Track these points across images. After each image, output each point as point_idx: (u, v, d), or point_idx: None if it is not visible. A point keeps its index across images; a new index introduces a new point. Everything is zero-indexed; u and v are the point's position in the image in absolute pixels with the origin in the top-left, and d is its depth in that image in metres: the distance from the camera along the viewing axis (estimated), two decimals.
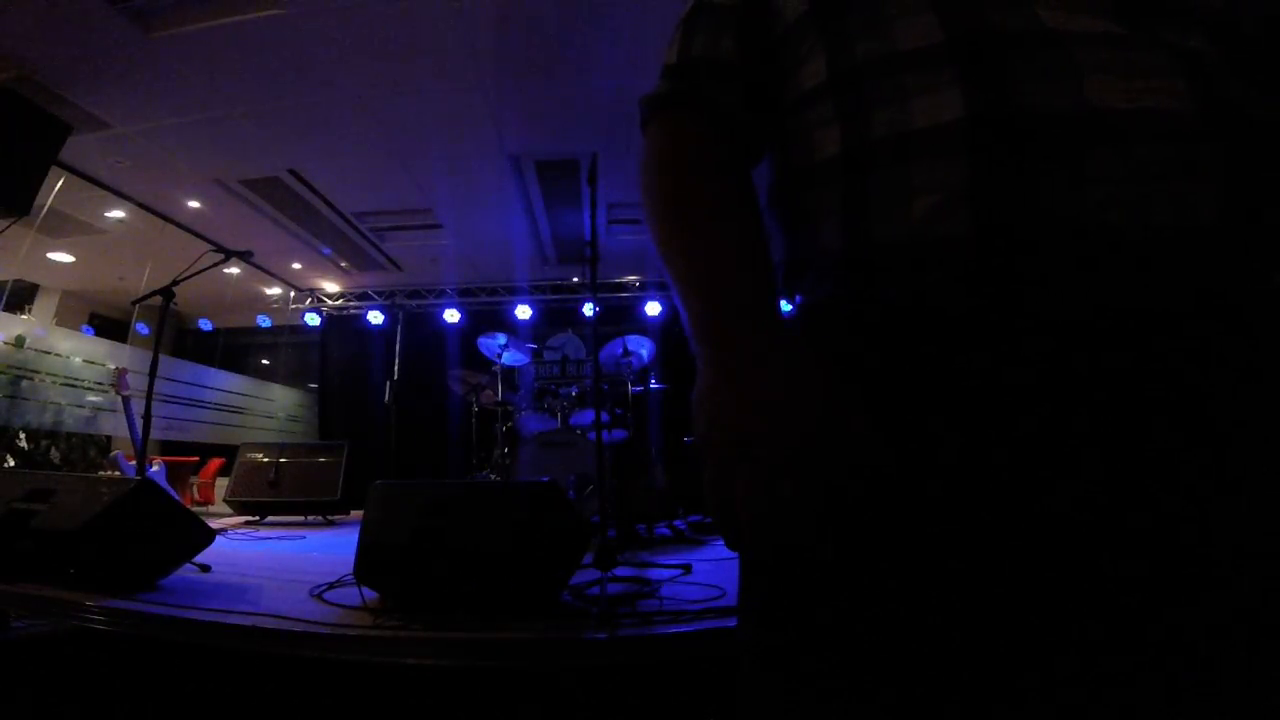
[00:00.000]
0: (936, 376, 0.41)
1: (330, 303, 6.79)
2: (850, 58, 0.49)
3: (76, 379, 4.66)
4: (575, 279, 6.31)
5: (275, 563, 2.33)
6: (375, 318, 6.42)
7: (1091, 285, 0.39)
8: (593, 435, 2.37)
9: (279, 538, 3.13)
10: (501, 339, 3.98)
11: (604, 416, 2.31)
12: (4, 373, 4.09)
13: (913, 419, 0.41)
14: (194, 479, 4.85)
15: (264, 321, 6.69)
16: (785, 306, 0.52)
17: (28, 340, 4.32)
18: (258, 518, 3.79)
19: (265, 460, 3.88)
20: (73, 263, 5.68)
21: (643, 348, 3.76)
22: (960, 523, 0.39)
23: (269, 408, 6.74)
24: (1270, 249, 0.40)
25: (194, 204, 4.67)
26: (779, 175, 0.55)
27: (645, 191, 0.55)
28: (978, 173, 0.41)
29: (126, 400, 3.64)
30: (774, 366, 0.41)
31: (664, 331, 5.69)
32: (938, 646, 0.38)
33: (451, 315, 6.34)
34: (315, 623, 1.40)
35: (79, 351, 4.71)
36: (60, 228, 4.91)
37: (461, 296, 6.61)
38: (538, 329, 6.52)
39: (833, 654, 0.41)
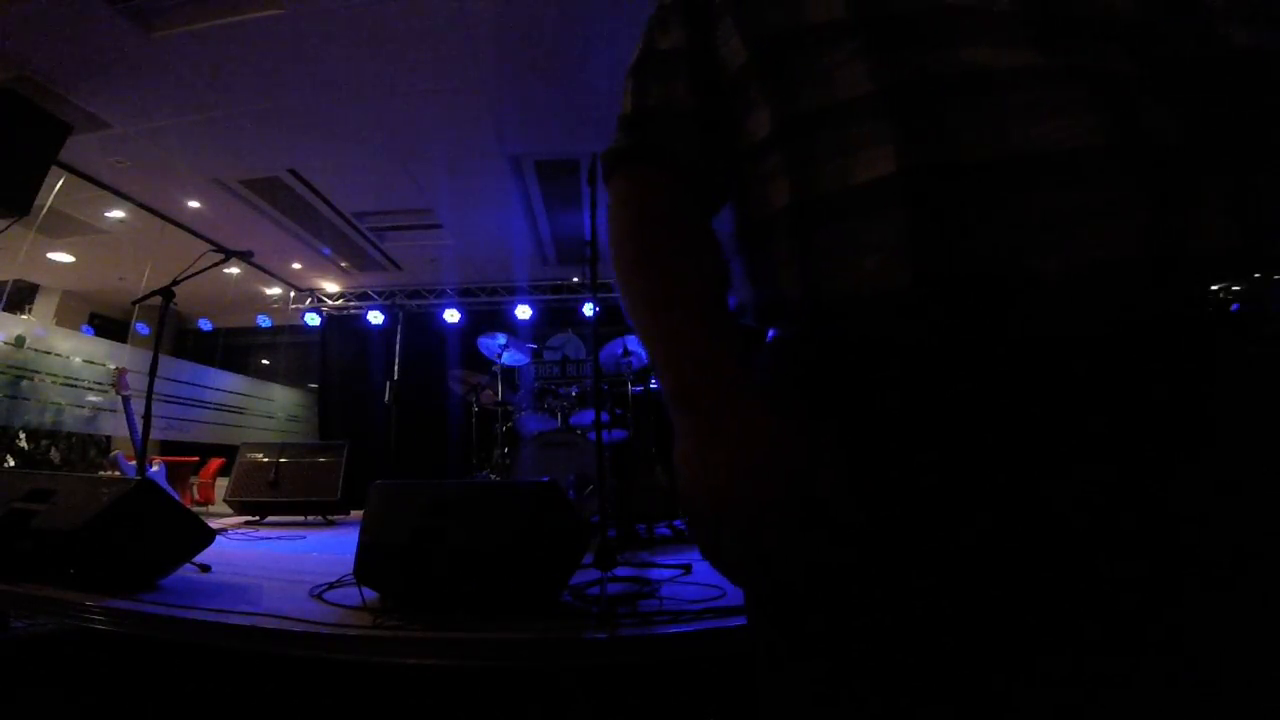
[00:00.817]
0: (895, 403, 0.44)
1: (330, 303, 6.79)
2: (794, 109, 0.51)
3: (76, 379, 4.66)
4: (575, 279, 6.30)
5: (275, 563, 2.33)
6: (375, 318, 6.42)
7: (1023, 323, 0.42)
8: (593, 435, 2.37)
9: (279, 538, 3.13)
10: (501, 339, 3.98)
11: (604, 416, 2.31)
12: (4, 373, 4.09)
13: (877, 448, 0.43)
14: (194, 479, 4.85)
15: (264, 321, 6.69)
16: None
17: (28, 340, 4.32)
18: (258, 518, 3.79)
19: (265, 460, 3.88)
20: (73, 263, 5.68)
21: (643, 348, 3.75)
22: (928, 534, 0.41)
23: (269, 408, 6.74)
24: (1200, 273, 0.42)
25: (194, 204, 4.67)
26: (740, 222, 0.56)
27: (611, 245, 0.56)
28: (914, 228, 0.43)
29: (126, 400, 3.65)
30: (735, 432, 0.43)
31: None
32: (924, 655, 0.39)
33: (451, 315, 6.33)
34: (315, 623, 1.40)
35: (79, 351, 4.71)
36: (60, 228, 4.91)
37: (461, 296, 6.61)
38: (538, 329, 6.52)
39: (824, 661, 0.43)
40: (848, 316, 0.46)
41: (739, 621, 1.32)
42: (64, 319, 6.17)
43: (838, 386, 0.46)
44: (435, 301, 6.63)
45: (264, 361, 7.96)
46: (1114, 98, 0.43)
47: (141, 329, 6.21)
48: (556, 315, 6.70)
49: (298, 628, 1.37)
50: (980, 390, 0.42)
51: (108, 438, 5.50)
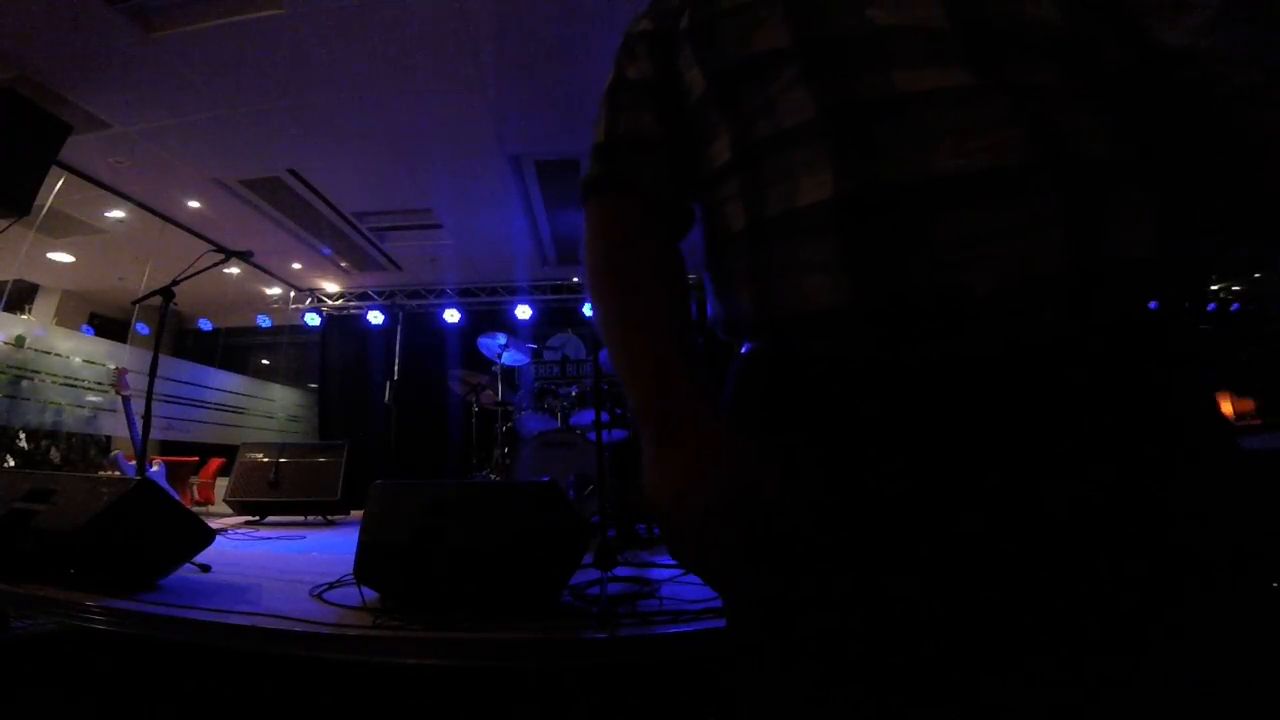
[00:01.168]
0: (839, 416, 0.46)
1: (330, 303, 6.79)
2: (748, 136, 0.53)
3: (76, 379, 4.66)
4: (575, 279, 6.30)
5: (275, 563, 2.33)
6: (375, 318, 6.42)
7: (959, 339, 0.43)
8: (593, 435, 2.37)
9: (279, 538, 3.13)
10: (501, 339, 3.98)
11: (604, 416, 2.31)
12: (4, 373, 4.09)
13: (825, 458, 0.46)
14: (194, 479, 4.85)
15: (264, 321, 6.68)
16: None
17: (28, 340, 4.32)
18: (258, 518, 3.79)
19: (265, 460, 3.88)
20: (73, 263, 5.68)
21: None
22: (872, 535, 0.43)
23: (269, 408, 6.74)
24: (1124, 283, 0.43)
25: (194, 204, 4.67)
26: (707, 244, 0.59)
27: (584, 267, 0.61)
28: (849, 250, 0.45)
29: (126, 400, 3.64)
30: (688, 443, 0.47)
31: None
32: (909, 656, 0.41)
33: (451, 315, 6.33)
34: (315, 623, 1.40)
35: (79, 351, 4.71)
36: (60, 228, 4.91)
37: (461, 296, 6.61)
38: (538, 329, 6.51)
39: (809, 663, 0.44)
40: (797, 334, 0.49)
41: None
42: (64, 319, 6.17)
43: (791, 400, 0.49)
44: (435, 301, 6.63)
45: (264, 361, 7.96)
46: (1037, 112, 0.45)
47: (141, 329, 6.21)
48: (556, 315, 6.70)
49: (298, 628, 1.37)
50: (917, 404, 0.44)
51: (108, 438, 5.50)
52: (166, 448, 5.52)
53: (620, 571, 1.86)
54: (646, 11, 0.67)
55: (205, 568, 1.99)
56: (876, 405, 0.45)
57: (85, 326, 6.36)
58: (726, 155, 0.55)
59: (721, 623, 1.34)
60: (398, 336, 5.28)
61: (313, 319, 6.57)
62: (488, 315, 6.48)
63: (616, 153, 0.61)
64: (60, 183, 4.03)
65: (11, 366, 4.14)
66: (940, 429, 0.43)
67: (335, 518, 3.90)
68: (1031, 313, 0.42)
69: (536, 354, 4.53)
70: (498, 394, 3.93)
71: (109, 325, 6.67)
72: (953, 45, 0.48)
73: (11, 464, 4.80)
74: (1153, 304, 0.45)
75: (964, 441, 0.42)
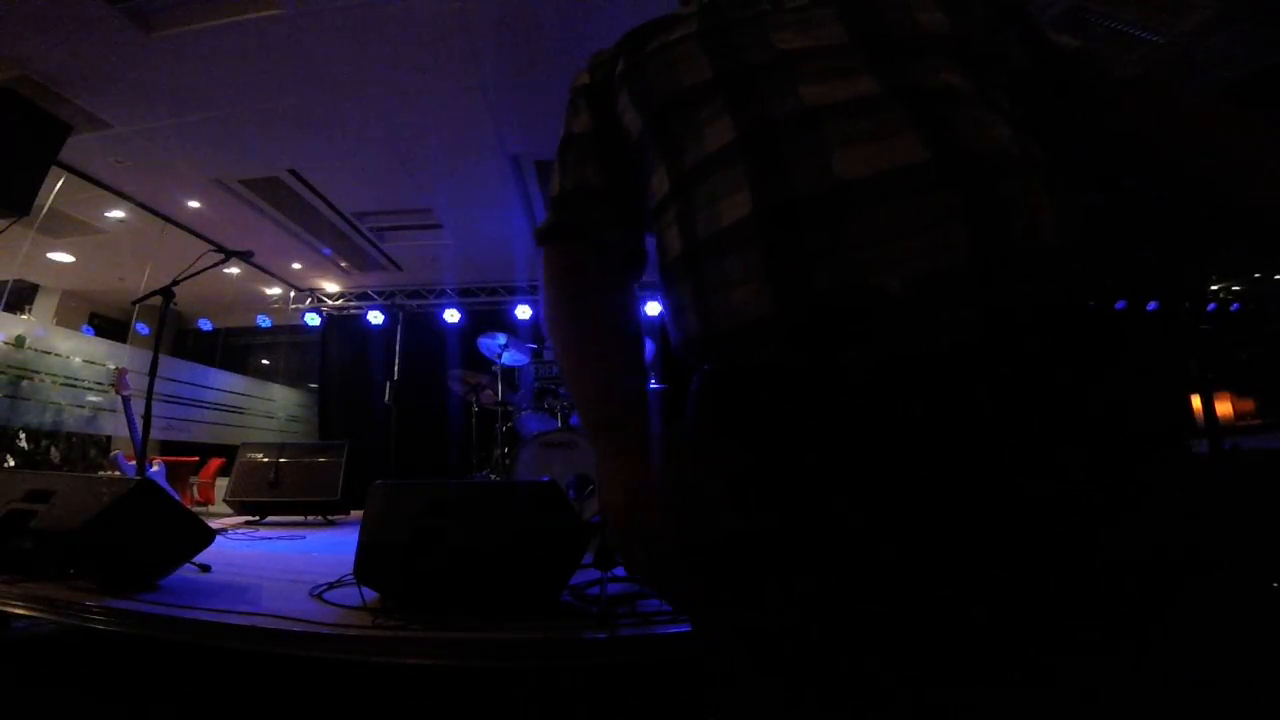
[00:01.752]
0: (777, 422, 0.48)
1: (330, 303, 6.79)
2: (681, 166, 0.57)
3: (76, 379, 4.66)
4: None
5: (275, 563, 2.33)
6: (375, 318, 6.41)
7: (879, 339, 0.45)
8: None
9: (279, 538, 3.13)
10: (501, 339, 3.97)
11: None
12: (4, 373, 4.09)
13: (763, 462, 0.48)
14: (194, 479, 4.84)
15: (264, 321, 6.68)
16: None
17: (28, 340, 4.32)
18: (258, 518, 3.78)
19: (265, 460, 3.88)
20: (73, 263, 5.68)
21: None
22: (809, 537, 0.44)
23: (269, 408, 6.74)
24: (1032, 273, 0.44)
25: (194, 204, 4.67)
26: (660, 273, 0.62)
27: (542, 307, 0.67)
28: (768, 263, 0.47)
29: (126, 400, 3.64)
30: (627, 452, 0.51)
31: (663, 331, 5.68)
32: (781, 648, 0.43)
33: (451, 315, 6.33)
34: (315, 623, 1.40)
35: (79, 351, 4.71)
36: (60, 228, 4.91)
37: (461, 296, 6.61)
38: (538, 329, 6.51)
39: (754, 655, 0.46)
40: (735, 348, 0.51)
41: None
42: (64, 319, 6.17)
43: (733, 413, 0.52)
44: (435, 301, 6.63)
45: (264, 361, 7.96)
46: (938, 114, 0.47)
47: (141, 329, 6.21)
48: None
49: (298, 628, 1.37)
50: (847, 408, 0.45)
51: (108, 438, 5.50)
52: (166, 448, 5.51)
53: (620, 571, 1.86)
54: (586, 66, 0.72)
55: (205, 568, 1.99)
56: (808, 412, 0.47)
57: (85, 326, 6.35)
58: (665, 187, 0.59)
59: None
60: (398, 336, 5.28)
61: (313, 319, 6.57)
62: (488, 315, 6.48)
63: (565, 203, 0.67)
64: (60, 183, 4.03)
65: (11, 366, 4.14)
66: (867, 433, 0.44)
67: (335, 518, 3.90)
68: (947, 309, 0.43)
69: (536, 354, 4.53)
70: (498, 394, 3.93)
71: (109, 325, 6.67)
72: (855, 58, 0.51)
73: (11, 464, 4.80)
74: (1120, 304, 0.47)
75: (889, 446, 0.44)
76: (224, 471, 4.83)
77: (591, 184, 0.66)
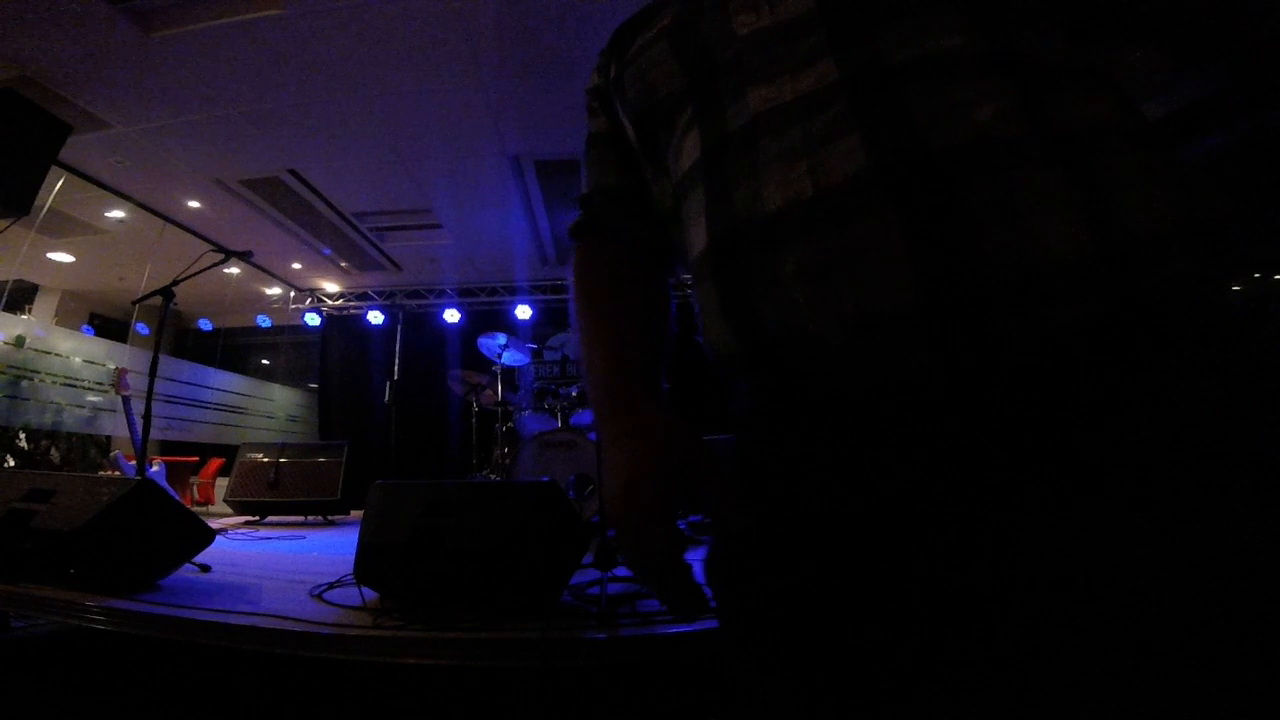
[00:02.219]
0: (752, 439, 0.49)
1: (330, 303, 6.79)
2: (672, 180, 0.56)
3: (76, 379, 4.66)
4: None
5: (275, 563, 2.33)
6: (375, 318, 6.42)
7: (821, 377, 0.41)
8: (593, 435, 2.37)
9: (279, 538, 3.13)
10: (501, 339, 3.97)
11: None
12: (4, 373, 4.09)
13: (751, 474, 0.49)
14: (194, 479, 4.85)
15: (264, 321, 6.68)
16: None
17: (28, 340, 4.32)
18: (258, 518, 3.78)
19: (265, 460, 3.88)
20: (73, 263, 5.68)
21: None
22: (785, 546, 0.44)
23: (269, 408, 6.74)
24: (979, 307, 0.35)
25: (194, 204, 4.67)
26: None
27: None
28: (722, 297, 0.46)
29: (126, 400, 3.65)
30: (630, 438, 0.48)
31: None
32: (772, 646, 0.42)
33: (451, 315, 6.33)
34: (315, 623, 1.40)
35: (79, 351, 4.71)
36: (60, 228, 4.91)
37: (461, 296, 6.61)
38: (538, 329, 6.51)
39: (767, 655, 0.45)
40: (728, 371, 0.51)
41: None
42: (64, 319, 6.17)
43: (738, 431, 0.53)
44: (435, 301, 6.63)
45: (264, 361, 7.96)
46: (890, 102, 0.38)
47: (141, 329, 6.21)
48: (556, 315, 6.70)
49: (298, 628, 1.37)
50: (814, 442, 0.43)
51: (108, 438, 5.51)
52: (166, 448, 5.52)
53: (620, 571, 1.86)
54: (595, 65, 0.71)
55: (205, 568, 1.99)
56: (780, 443, 0.46)
57: (85, 326, 6.36)
58: (668, 198, 0.59)
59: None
60: (398, 336, 5.29)
61: (313, 319, 6.57)
62: (488, 315, 6.48)
63: (589, 202, 0.68)
64: (60, 183, 4.03)
65: (12, 366, 4.14)
66: (834, 473, 0.41)
67: (335, 518, 3.90)
68: (891, 357, 0.37)
69: (536, 354, 4.53)
70: (498, 394, 3.93)
71: (109, 325, 6.67)
72: (815, 35, 0.43)
73: (11, 464, 4.80)
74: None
75: (854, 487, 0.40)
76: (224, 471, 4.83)
77: (610, 184, 0.67)
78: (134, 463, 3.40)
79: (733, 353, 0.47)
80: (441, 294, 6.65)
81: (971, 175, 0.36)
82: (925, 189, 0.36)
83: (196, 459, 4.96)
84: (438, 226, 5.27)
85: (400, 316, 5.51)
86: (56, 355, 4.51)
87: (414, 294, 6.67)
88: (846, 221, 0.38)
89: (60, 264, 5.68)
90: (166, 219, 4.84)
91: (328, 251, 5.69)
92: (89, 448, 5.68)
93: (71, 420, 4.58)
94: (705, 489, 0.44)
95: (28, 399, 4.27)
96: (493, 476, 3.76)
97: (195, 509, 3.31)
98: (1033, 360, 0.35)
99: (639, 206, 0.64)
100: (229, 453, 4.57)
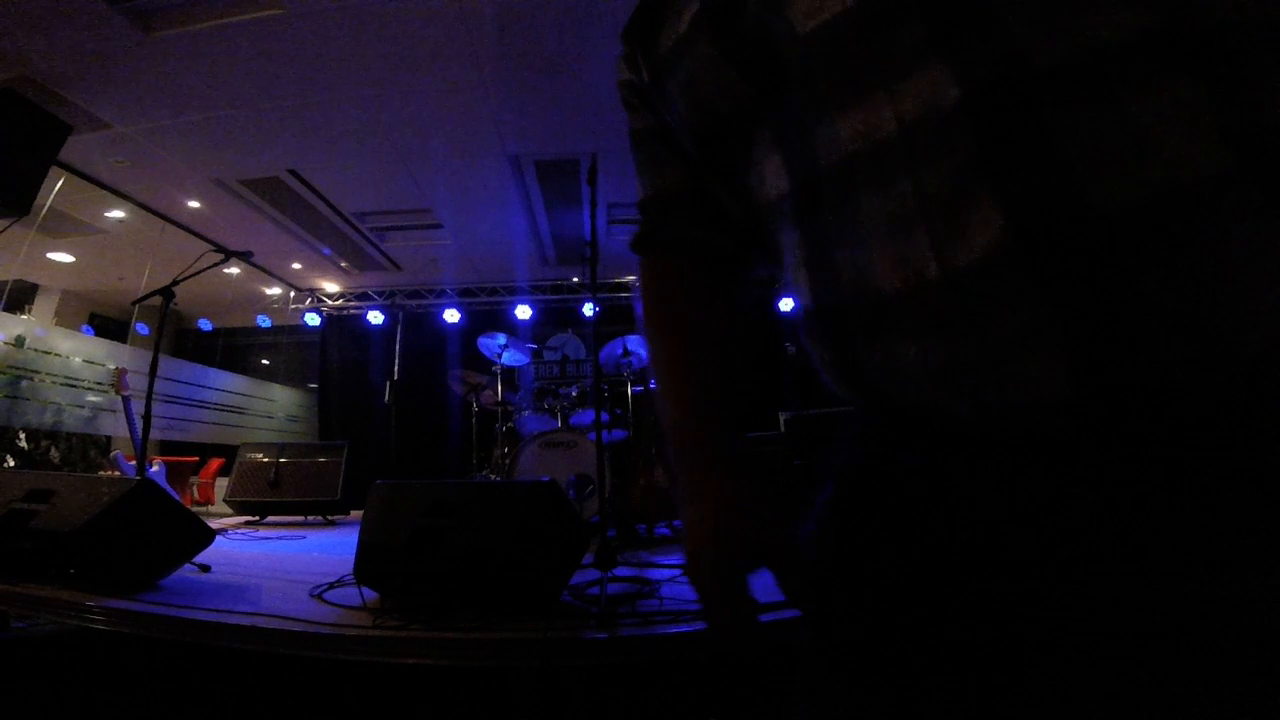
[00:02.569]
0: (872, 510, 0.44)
1: (330, 303, 6.79)
2: (744, 198, 0.49)
3: (76, 379, 4.66)
4: (575, 279, 6.31)
5: (275, 563, 2.33)
6: (375, 318, 6.42)
7: (949, 436, 0.37)
8: (593, 435, 2.37)
9: (279, 538, 3.13)
10: (501, 339, 3.97)
11: (604, 416, 2.31)
12: (4, 373, 4.09)
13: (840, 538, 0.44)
14: (194, 479, 4.85)
15: (264, 321, 6.69)
16: None
17: (28, 340, 4.32)
18: (258, 518, 3.78)
19: (265, 460, 3.87)
20: (73, 263, 5.68)
21: (643, 348, 3.76)
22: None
23: (269, 408, 6.74)
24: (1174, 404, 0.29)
25: (194, 204, 4.67)
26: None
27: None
28: (834, 359, 0.42)
29: (126, 400, 3.65)
30: (700, 493, 0.47)
31: None
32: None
33: (451, 315, 6.34)
34: (315, 623, 1.40)
35: (79, 351, 4.71)
36: (60, 228, 4.91)
37: (461, 296, 6.61)
38: (538, 329, 6.52)
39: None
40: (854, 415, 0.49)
41: None
42: (64, 319, 6.17)
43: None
44: (435, 301, 6.63)
45: (264, 361, 7.96)
46: (1023, 143, 0.29)
47: (141, 329, 6.21)
48: (556, 315, 6.70)
49: (298, 628, 1.37)
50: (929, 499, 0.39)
51: (108, 438, 5.51)
52: (166, 448, 5.52)
53: (620, 571, 1.86)
54: (621, 54, 0.60)
55: (205, 568, 1.98)
56: (891, 498, 0.42)
57: (85, 326, 6.36)
58: (746, 212, 0.51)
59: None
60: (398, 336, 5.29)
61: (313, 319, 6.58)
62: (488, 315, 6.49)
63: (645, 210, 0.61)
64: (60, 183, 4.03)
65: (11, 366, 4.14)
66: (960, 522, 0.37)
67: (335, 518, 3.90)
68: (1031, 429, 0.32)
69: (536, 354, 4.54)
70: (498, 394, 3.93)
71: (109, 325, 6.68)
72: (910, 31, 0.32)
73: (11, 464, 4.80)
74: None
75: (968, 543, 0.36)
76: (224, 471, 4.83)
77: (669, 188, 0.58)
78: (134, 463, 3.40)
79: (848, 399, 0.45)
80: (441, 294, 6.65)
81: (1157, 247, 0.27)
82: (1090, 273, 0.28)
83: (196, 459, 4.96)
84: (438, 226, 5.27)
85: (400, 316, 5.51)
86: (56, 355, 4.51)
87: (414, 294, 6.67)
88: (984, 318, 0.31)
89: (60, 264, 5.68)
90: (166, 219, 4.84)
91: (328, 251, 5.69)
92: (89, 448, 5.68)
93: (71, 420, 4.58)
94: (772, 557, 0.43)
95: (28, 399, 4.27)
96: (493, 476, 3.76)
97: (195, 509, 3.31)
98: (1200, 431, 0.29)
99: (705, 211, 0.55)
100: (229, 453, 4.57)
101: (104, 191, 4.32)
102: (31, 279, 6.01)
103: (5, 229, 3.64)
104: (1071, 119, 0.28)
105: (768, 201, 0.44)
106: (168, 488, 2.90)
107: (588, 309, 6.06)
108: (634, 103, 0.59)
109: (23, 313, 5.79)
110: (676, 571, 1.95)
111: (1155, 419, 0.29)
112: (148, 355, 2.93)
